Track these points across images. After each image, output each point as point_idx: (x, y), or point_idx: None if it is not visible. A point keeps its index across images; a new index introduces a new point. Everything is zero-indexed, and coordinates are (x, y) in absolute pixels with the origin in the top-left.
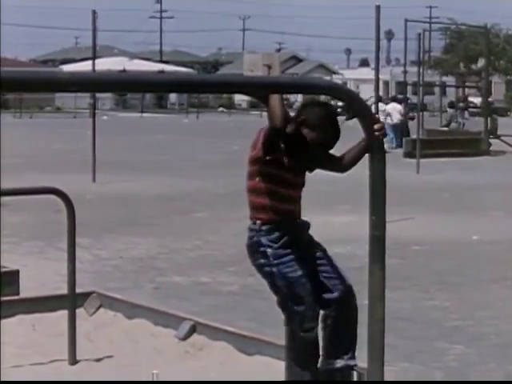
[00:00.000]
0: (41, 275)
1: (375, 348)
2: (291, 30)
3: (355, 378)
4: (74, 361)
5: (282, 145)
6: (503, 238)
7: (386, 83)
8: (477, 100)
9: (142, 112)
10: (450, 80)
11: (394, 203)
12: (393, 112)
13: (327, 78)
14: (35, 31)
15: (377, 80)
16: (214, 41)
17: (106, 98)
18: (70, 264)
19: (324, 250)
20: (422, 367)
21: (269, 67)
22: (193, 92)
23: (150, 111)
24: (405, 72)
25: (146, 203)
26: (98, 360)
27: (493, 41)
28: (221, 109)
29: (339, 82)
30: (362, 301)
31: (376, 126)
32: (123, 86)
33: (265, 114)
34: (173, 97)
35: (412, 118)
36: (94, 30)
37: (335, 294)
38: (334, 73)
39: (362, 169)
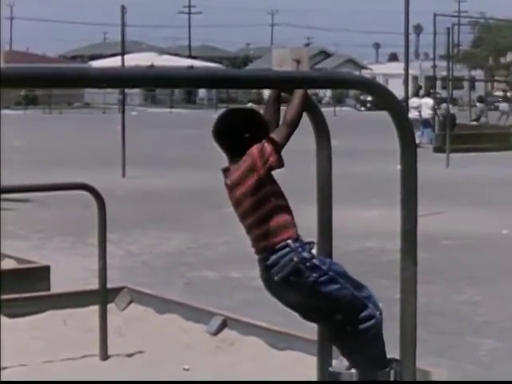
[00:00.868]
0: (71, 271)
1: (407, 342)
2: (319, 24)
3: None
4: (105, 356)
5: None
6: None
7: (415, 78)
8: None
9: (171, 107)
10: (478, 74)
11: (424, 197)
12: (424, 107)
13: (356, 72)
14: (64, 27)
15: (406, 75)
16: (242, 36)
17: (134, 94)
18: (101, 259)
19: None
20: (453, 362)
21: (298, 62)
22: (223, 87)
23: (179, 106)
24: (434, 66)
25: (175, 198)
26: (129, 355)
27: None
28: (250, 104)
29: (368, 76)
30: (394, 295)
31: None
32: (156, 82)
33: None
34: (202, 92)
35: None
36: (123, 25)
37: None
38: (363, 67)
39: (394, 164)
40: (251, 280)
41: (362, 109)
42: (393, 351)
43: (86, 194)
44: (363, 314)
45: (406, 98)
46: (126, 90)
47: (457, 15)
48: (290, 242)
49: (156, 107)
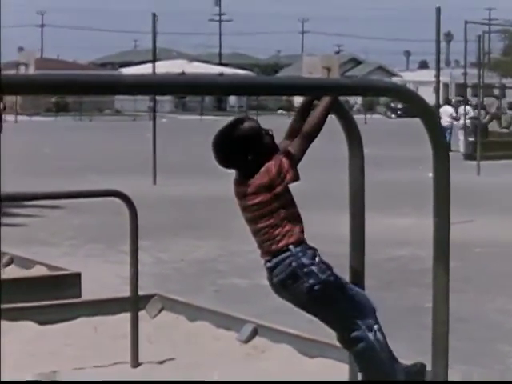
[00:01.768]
0: (102, 278)
1: (439, 350)
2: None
3: None
4: (136, 363)
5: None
6: None
7: (446, 85)
8: None
9: (202, 114)
10: (509, 81)
11: (455, 205)
12: (443, 115)
13: (386, 80)
14: (94, 34)
15: (437, 82)
16: (272, 43)
17: (165, 101)
18: (132, 266)
19: None
20: (484, 370)
21: (328, 69)
22: (253, 94)
23: (210, 113)
24: (465, 74)
25: (206, 205)
26: (161, 362)
27: None
28: (280, 111)
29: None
30: (424, 303)
31: None
32: (187, 89)
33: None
34: (232, 99)
35: (457, 119)
36: (154, 32)
37: None
38: (394, 75)
39: (426, 171)
40: None
41: (393, 116)
42: (424, 360)
43: (117, 201)
44: (354, 334)
45: (438, 106)
46: (157, 97)
47: (487, 23)
48: (291, 246)
49: (186, 114)
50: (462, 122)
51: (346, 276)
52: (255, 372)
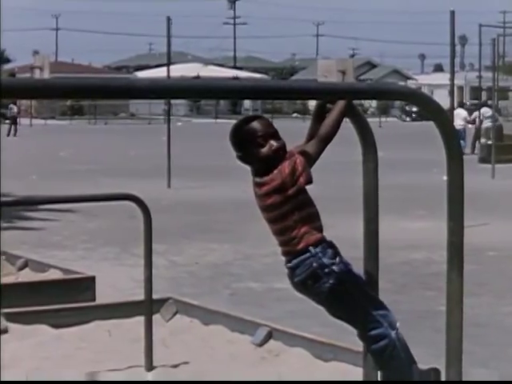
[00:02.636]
0: (116, 281)
1: (453, 354)
2: (365, 35)
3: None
4: (150, 367)
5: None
6: None
7: (461, 88)
8: None
9: (216, 118)
10: None
11: (470, 208)
12: (456, 118)
13: (401, 83)
14: (109, 37)
15: (452, 85)
16: (287, 47)
17: (180, 104)
18: (147, 270)
19: None
20: (499, 373)
21: (343, 73)
22: (268, 98)
23: (225, 117)
24: (480, 77)
25: (220, 209)
26: (175, 366)
27: None
28: (295, 114)
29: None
30: (438, 307)
31: None
32: (202, 93)
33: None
34: (247, 103)
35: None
36: (169, 36)
37: None
38: (409, 78)
39: (440, 174)
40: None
41: (407, 119)
42: (438, 364)
43: (131, 204)
44: (374, 332)
45: (452, 109)
46: (172, 101)
47: (502, 26)
48: (310, 247)
49: (201, 118)
50: (486, 125)
51: None
52: (269, 376)
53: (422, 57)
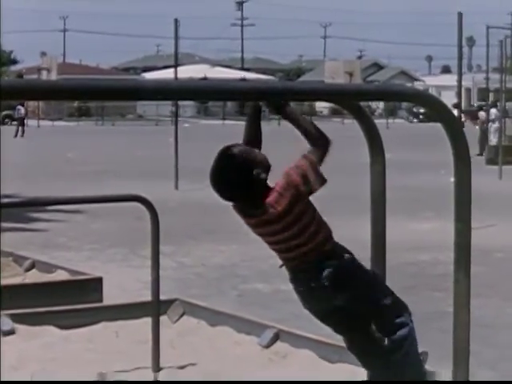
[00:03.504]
0: (123, 282)
1: (460, 355)
2: (372, 36)
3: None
4: (157, 368)
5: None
6: None
7: (468, 90)
8: None
9: (224, 119)
10: None
11: (477, 210)
12: None
13: (409, 84)
14: (117, 39)
15: (459, 87)
16: (294, 48)
17: (187, 106)
18: (154, 271)
19: None
20: (506, 374)
21: (350, 74)
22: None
23: (232, 118)
24: (487, 78)
25: (227, 210)
26: (182, 367)
27: None
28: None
29: (421, 88)
30: (445, 308)
31: None
32: (209, 94)
33: (347, 121)
34: None
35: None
36: (177, 37)
37: None
38: (416, 79)
39: (447, 176)
40: None
41: (415, 120)
42: (445, 365)
43: (139, 205)
44: (399, 320)
45: (460, 111)
46: (179, 102)
47: (510, 27)
48: (327, 255)
49: (209, 119)
50: (495, 125)
51: None
52: (276, 377)
53: (430, 58)
